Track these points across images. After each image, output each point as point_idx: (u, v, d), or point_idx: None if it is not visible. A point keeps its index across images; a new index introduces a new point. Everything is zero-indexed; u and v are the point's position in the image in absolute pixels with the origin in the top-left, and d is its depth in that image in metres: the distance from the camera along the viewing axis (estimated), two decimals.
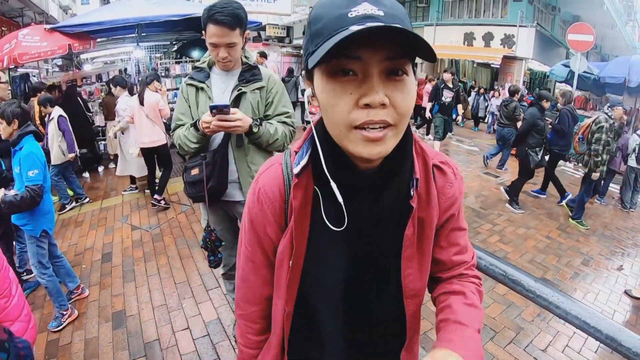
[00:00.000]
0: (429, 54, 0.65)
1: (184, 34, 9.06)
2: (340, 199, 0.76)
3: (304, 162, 0.82)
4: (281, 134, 2.18)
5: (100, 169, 7.74)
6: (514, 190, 6.37)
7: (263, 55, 9.81)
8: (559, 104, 7.51)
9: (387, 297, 0.89)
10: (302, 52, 0.78)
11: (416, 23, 19.30)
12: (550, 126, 6.77)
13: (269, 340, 1.00)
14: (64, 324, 3.08)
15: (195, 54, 8.99)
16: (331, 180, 0.76)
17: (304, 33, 0.77)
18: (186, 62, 8.84)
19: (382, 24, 0.60)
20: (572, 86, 9.60)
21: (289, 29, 17.19)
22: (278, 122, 2.22)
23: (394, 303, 0.90)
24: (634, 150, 6.89)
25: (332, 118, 0.70)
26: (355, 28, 0.60)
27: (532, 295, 1.26)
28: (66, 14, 16.32)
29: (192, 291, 3.53)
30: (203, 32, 1.99)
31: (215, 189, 2.21)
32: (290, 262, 0.85)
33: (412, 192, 0.83)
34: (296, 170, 0.82)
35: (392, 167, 0.79)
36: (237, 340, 1.06)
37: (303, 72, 0.81)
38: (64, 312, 3.12)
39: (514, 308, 3.59)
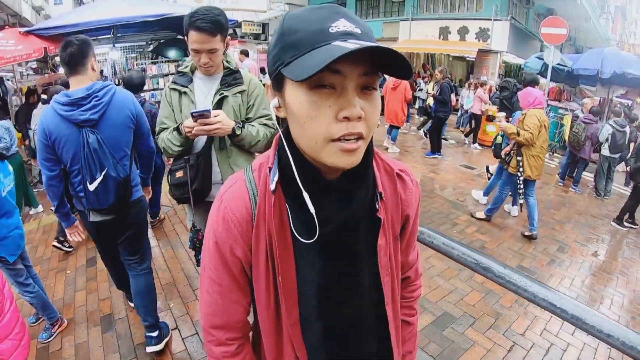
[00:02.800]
0: (405, 72, 0.68)
1: (160, 33, 8.93)
2: (312, 209, 0.76)
3: (277, 177, 0.81)
4: (263, 135, 2.23)
5: None
6: (624, 211, 6.26)
7: (244, 53, 9.82)
8: (444, 80, 8.65)
9: (365, 305, 0.90)
10: (269, 60, 0.77)
11: (392, 18, 19.45)
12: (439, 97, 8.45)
13: None
14: (55, 335, 3.02)
15: (172, 53, 8.87)
16: (304, 191, 0.77)
17: None
18: (162, 62, 8.74)
19: (374, 45, 0.63)
20: (546, 78, 9.81)
21: (264, 26, 17.13)
22: (259, 124, 2.27)
23: (373, 310, 0.92)
24: (606, 139, 7.13)
25: (309, 130, 0.71)
26: (339, 44, 0.63)
27: (502, 281, 1.35)
28: (39, 15, 16.00)
29: (178, 291, 3.56)
30: (185, 37, 2.03)
31: (200, 191, 2.27)
32: (279, 277, 0.83)
33: (377, 205, 0.86)
34: (272, 186, 0.81)
35: (356, 173, 0.80)
36: None
37: (268, 82, 0.80)
38: (54, 323, 3.03)
39: (492, 295, 3.72)
